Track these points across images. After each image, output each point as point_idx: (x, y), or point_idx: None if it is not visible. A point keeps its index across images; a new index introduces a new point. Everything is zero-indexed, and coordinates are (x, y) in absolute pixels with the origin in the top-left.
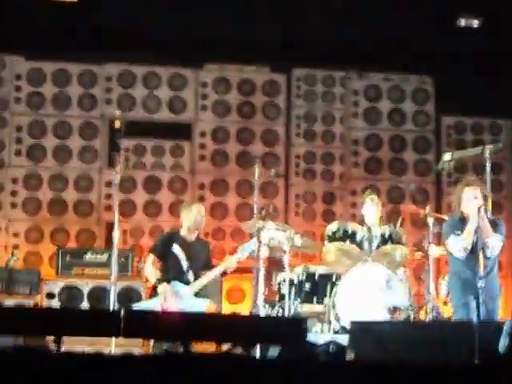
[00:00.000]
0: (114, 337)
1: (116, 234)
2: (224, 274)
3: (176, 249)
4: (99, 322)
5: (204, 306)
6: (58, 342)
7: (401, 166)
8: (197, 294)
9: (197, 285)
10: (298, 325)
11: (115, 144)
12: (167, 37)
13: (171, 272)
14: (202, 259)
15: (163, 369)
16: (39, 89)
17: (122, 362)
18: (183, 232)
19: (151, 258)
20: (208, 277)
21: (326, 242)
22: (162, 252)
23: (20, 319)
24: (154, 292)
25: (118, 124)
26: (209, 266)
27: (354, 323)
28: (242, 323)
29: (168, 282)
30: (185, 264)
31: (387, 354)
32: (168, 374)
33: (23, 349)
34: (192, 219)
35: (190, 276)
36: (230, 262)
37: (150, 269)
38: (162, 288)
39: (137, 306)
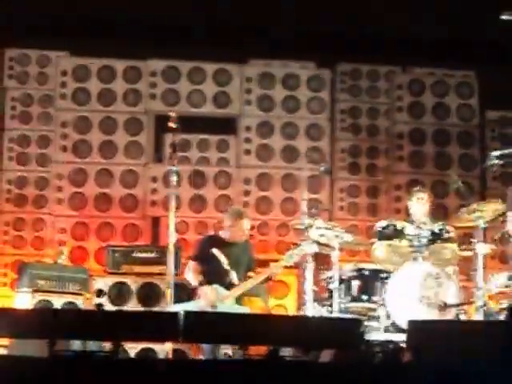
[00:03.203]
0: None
1: (172, 233)
2: (269, 279)
3: (215, 251)
4: (158, 325)
5: (243, 311)
6: (116, 346)
7: (445, 160)
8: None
9: (239, 289)
10: (355, 326)
11: (172, 145)
12: (212, 33)
13: (213, 275)
14: (244, 260)
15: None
16: (84, 84)
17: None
18: (224, 234)
19: (191, 264)
20: (251, 282)
21: (375, 240)
22: (202, 257)
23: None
24: (194, 295)
25: (173, 124)
26: (251, 267)
27: (410, 322)
28: (296, 325)
29: (209, 284)
30: (226, 266)
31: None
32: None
33: (80, 353)
34: (235, 231)
35: (233, 278)
36: (275, 269)
37: (191, 275)
38: (203, 290)
39: (176, 307)
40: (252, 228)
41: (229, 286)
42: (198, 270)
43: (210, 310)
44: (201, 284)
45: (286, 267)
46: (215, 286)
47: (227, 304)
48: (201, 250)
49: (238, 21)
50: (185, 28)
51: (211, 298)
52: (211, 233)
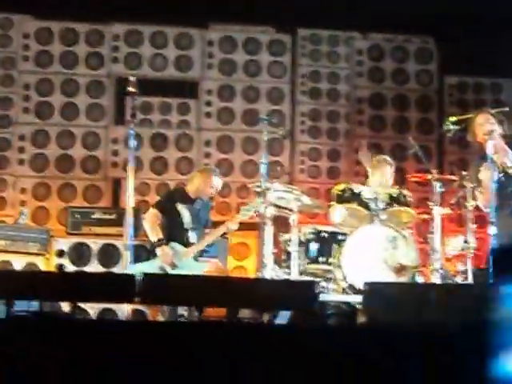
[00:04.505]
0: (129, 303)
1: (130, 194)
2: (225, 235)
3: (180, 207)
4: (114, 287)
5: (203, 269)
6: (74, 307)
7: (404, 124)
8: (201, 255)
9: (197, 247)
10: (309, 288)
11: (132, 108)
12: None
13: (173, 231)
14: (204, 217)
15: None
16: (47, 47)
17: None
18: (189, 189)
19: (153, 212)
20: (208, 239)
21: (333, 203)
22: (165, 208)
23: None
24: (152, 253)
25: (132, 88)
26: (208, 226)
27: (366, 284)
28: (251, 287)
29: (167, 243)
30: (188, 224)
31: (400, 315)
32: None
33: (39, 314)
34: (205, 186)
35: (193, 236)
36: (231, 224)
37: (149, 225)
38: (161, 250)
39: (133, 267)
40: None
41: (187, 243)
42: (157, 220)
43: (168, 269)
44: (159, 242)
45: (246, 228)
46: (173, 244)
47: (186, 262)
48: (165, 201)
49: None
50: None
51: (169, 258)
52: (177, 187)
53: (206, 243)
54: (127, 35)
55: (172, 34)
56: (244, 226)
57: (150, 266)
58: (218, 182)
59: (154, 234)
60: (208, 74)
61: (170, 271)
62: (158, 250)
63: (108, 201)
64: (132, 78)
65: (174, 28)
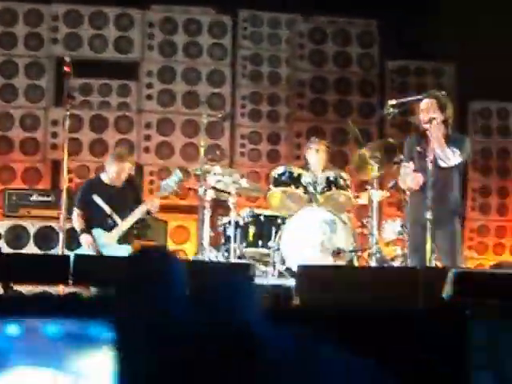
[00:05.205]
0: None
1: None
2: (149, 213)
3: (96, 198)
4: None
5: (127, 252)
6: (6, 288)
7: (345, 108)
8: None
9: (118, 230)
10: (245, 271)
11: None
12: None
13: (95, 220)
14: (130, 200)
15: None
16: None
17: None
18: (104, 177)
19: (76, 212)
20: (130, 220)
21: (271, 186)
22: (84, 203)
23: None
24: (78, 243)
25: (67, 68)
26: (136, 206)
27: (300, 267)
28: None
29: (90, 231)
30: (107, 210)
31: (333, 299)
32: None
33: None
34: (114, 173)
35: (116, 220)
36: (151, 202)
37: (75, 222)
38: (83, 239)
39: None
40: (151, 173)
41: (113, 227)
42: (82, 217)
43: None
44: (82, 231)
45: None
46: (95, 230)
47: (109, 247)
48: (82, 197)
49: None
50: None
51: (91, 245)
52: (92, 177)
53: (129, 224)
54: (66, 15)
55: (112, 14)
56: (184, 210)
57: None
58: (119, 167)
59: (77, 226)
60: (148, 55)
61: None
62: (81, 239)
63: (47, 183)
64: (67, 59)
65: (114, 8)
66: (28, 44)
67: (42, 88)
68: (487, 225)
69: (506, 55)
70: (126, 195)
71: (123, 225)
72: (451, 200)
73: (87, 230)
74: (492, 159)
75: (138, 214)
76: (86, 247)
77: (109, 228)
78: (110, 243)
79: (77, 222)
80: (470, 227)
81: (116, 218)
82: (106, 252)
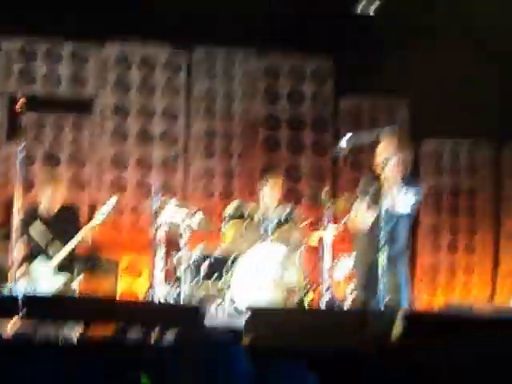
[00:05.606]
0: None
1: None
2: (84, 242)
3: (32, 232)
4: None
5: (60, 282)
6: None
7: (299, 145)
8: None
9: (57, 258)
10: (194, 311)
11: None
12: (68, 11)
13: (36, 250)
14: (70, 228)
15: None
16: None
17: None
18: (43, 206)
19: (18, 245)
20: (66, 248)
21: (224, 222)
22: (25, 235)
23: None
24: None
25: (20, 106)
26: (73, 236)
27: (248, 309)
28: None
29: (33, 259)
30: (43, 242)
31: (282, 341)
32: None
33: None
34: (50, 198)
35: (55, 249)
36: (85, 231)
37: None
38: (20, 272)
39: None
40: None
41: (52, 256)
42: (24, 250)
43: (34, 286)
44: (21, 262)
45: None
46: (35, 261)
47: (44, 277)
48: (22, 230)
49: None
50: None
51: (27, 276)
52: (29, 208)
53: (64, 254)
54: (20, 51)
55: (67, 50)
56: (136, 247)
57: (22, 286)
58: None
59: (19, 257)
60: (103, 91)
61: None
62: (17, 272)
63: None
64: (20, 96)
65: (70, 44)
66: None
67: None
68: (438, 263)
69: (459, 91)
70: (63, 223)
71: (60, 254)
72: (399, 241)
73: (30, 258)
74: (442, 199)
75: (74, 242)
76: (25, 279)
77: (50, 256)
78: (45, 274)
79: (17, 255)
80: (421, 265)
81: (53, 247)
82: (42, 284)
